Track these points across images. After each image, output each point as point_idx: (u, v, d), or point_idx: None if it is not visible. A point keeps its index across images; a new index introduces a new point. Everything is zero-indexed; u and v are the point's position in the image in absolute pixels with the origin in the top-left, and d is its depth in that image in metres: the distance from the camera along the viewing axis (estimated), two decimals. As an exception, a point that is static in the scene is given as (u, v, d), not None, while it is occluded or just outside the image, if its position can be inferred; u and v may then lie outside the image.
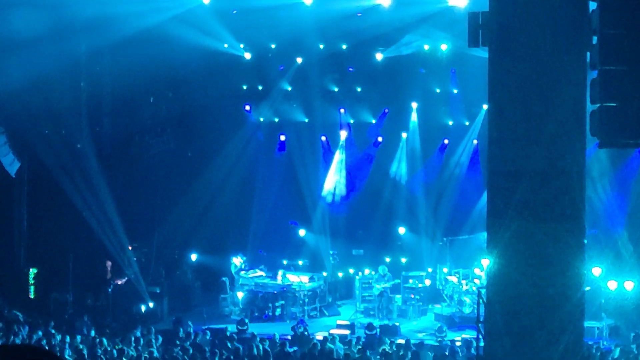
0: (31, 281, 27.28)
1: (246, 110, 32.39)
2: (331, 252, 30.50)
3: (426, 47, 28.27)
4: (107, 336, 21.96)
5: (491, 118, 14.05)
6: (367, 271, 28.54)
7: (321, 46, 28.83)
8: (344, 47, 28.96)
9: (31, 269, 27.39)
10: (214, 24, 26.02)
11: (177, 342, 21.32)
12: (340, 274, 30.16)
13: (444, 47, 27.92)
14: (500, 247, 13.54)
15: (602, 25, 12.86)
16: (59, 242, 27.53)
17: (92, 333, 22.56)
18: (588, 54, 13.32)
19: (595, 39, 13.08)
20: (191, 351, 20.15)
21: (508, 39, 13.42)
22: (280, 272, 28.21)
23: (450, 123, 31.88)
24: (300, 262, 30.45)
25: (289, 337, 23.04)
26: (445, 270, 28.21)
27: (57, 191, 26.91)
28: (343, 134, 32.49)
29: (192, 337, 22.44)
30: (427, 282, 28.01)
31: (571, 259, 13.42)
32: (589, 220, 14.87)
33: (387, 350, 20.66)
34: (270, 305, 27.20)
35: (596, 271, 25.45)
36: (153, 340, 21.57)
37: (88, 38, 25.88)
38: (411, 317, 27.07)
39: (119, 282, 27.34)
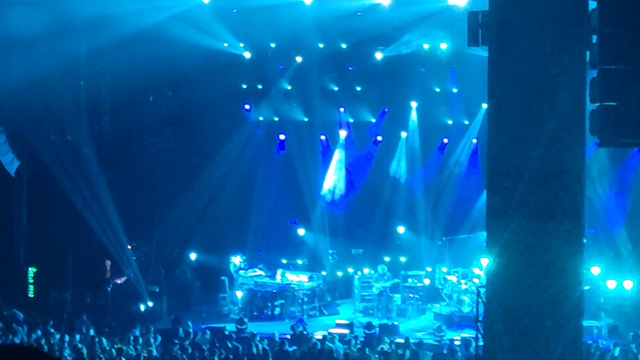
0: (30, 280, 27.28)
1: (246, 110, 32.37)
2: (330, 252, 30.48)
3: (426, 46, 28.25)
4: (106, 335, 21.96)
5: (491, 117, 14.06)
6: (366, 270, 28.51)
7: (321, 45, 28.83)
8: (344, 46, 28.96)
9: (30, 268, 27.39)
10: (214, 23, 26.02)
11: (176, 341, 21.30)
12: (339, 273, 30.15)
13: (443, 46, 27.91)
14: (500, 247, 13.54)
15: (602, 24, 12.87)
16: (58, 241, 27.53)
17: (91, 332, 22.55)
18: (588, 53, 13.33)
19: (594, 38, 13.09)
20: (190, 350, 20.15)
21: (508, 38, 13.42)
22: (279, 271, 28.21)
23: (450, 122, 31.86)
24: (299, 261, 30.42)
25: (288, 336, 23.05)
26: (444, 269, 28.20)
27: (56, 190, 26.90)
28: (342, 133, 32.46)
29: (191, 336, 22.43)
30: (427, 281, 28.01)
31: (570, 258, 13.43)
32: (588, 219, 14.85)
33: (386, 349, 20.66)
34: (269, 304, 27.19)
35: (595, 270, 25.45)
36: (152, 340, 21.57)
37: (88, 37, 25.88)
38: (410, 317, 27.07)
39: (118, 281, 27.34)
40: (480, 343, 15.51)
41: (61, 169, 26.92)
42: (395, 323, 25.26)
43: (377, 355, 20.34)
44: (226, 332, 23.32)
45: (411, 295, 27.45)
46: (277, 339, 22.25)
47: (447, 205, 31.37)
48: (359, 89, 31.61)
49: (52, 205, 27.47)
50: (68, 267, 27.06)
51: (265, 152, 32.77)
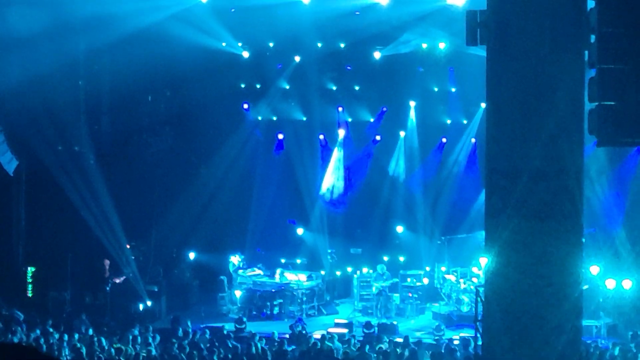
0: (29, 280, 27.26)
1: (244, 109, 32.35)
2: (329, 251, 30.47)
3: (424, 45, 28.27)
4: (105, 335, 21.93)
5: (489, 116, 14.07)
6: (365, 270, 28.52)
7: (319, 45, 28.83)
8: (342, 45, 28.96)
9: (29, 268, 27.37)
10: (212, 22, 26.02)
11: (175, 341, 21.29)
12: (338, 273, 30.14)
13: (442, 45, 27.91)
14: (498, 246, 13.55)
15: (600, 23, 12.88)
16: (57, 240, 27.52)
17: (90, 332, 22.52)
18: (586, 52, 13.34)
19: (593, 38, 13.10)
20: (189, 350, 20.14)
21: (506, 38, 13.43)
22: (278, 271, 28.20)
23: (449, 122, 31.87)
24: (298, 261, 30.42)
25: (287, 336, 23.04)
26: (443, 268, 28.20)
27: (55, 190, 26.89)
28: (341, 133, 32.46)
29: (190, 335, 22.42)
30: (425, 280, 28.01)
31: (569, 258, 13.44)
32: (587, 218, 14.87)
33: (385, 348, 20.66)
34: (268, 303, 27.19)
35: (594, 270, 25.45)
36: (151, 339, 21.56)
37: (86, 36, 25.86)
38: (409, 316, 27.08)
39: (117, 281, 27.32)
40: (479, 342, 15.51)
41: (60, 169, 26.91)
42: (394, 322, 25.27)
43: (376, 355, 20.34)
44: (225, 332, 23.29)
45: (410, 294, 27.45)
46: (276, 339, 22.25)
47: (446, 205, 31.39)
48: (357, 88, 31.62)
49: (51, 204, 27.46)
50: (67, 266, 27.05)
51: (263, 151, 32.75)
